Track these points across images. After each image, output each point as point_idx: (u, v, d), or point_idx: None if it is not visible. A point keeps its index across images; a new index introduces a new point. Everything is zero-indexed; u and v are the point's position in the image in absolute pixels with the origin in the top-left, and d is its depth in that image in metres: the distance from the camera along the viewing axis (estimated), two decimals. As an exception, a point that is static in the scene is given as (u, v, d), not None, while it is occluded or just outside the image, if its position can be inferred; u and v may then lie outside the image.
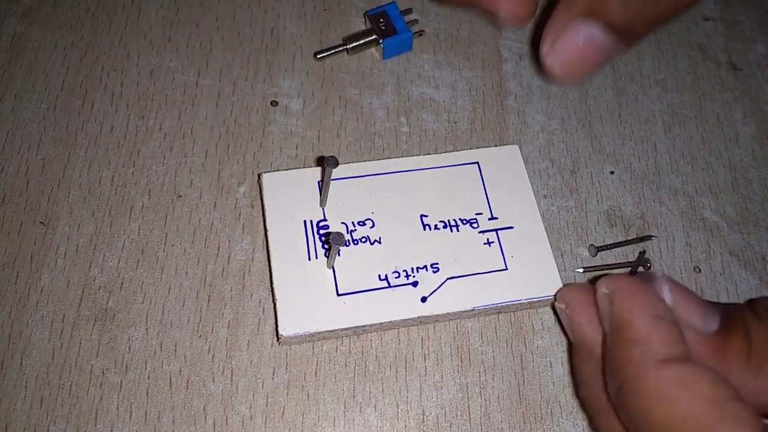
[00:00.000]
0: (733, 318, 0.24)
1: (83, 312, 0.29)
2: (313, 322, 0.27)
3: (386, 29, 0.35)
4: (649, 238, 0.31)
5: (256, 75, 0.35)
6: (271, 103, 0.34)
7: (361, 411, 0.28)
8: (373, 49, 0.36)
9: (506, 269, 0.29)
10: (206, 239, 0.30)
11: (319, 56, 0.35)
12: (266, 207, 0.30)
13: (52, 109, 0.33)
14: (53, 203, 0.31)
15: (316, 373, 0.28)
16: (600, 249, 0.31)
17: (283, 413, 0.27)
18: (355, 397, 0.28)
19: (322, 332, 0.28)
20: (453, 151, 0.32)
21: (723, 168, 0.34)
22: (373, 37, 0.35)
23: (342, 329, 0.28)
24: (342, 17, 0.37)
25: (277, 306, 0.28)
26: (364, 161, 0.31)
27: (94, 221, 0.31)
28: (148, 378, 0.27)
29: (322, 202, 0.30)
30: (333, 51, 0.35)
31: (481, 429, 0.27)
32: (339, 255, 0.28)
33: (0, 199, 0.31)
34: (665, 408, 0.21)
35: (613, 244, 0.31)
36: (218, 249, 0.30)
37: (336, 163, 0.27)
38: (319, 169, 0.31)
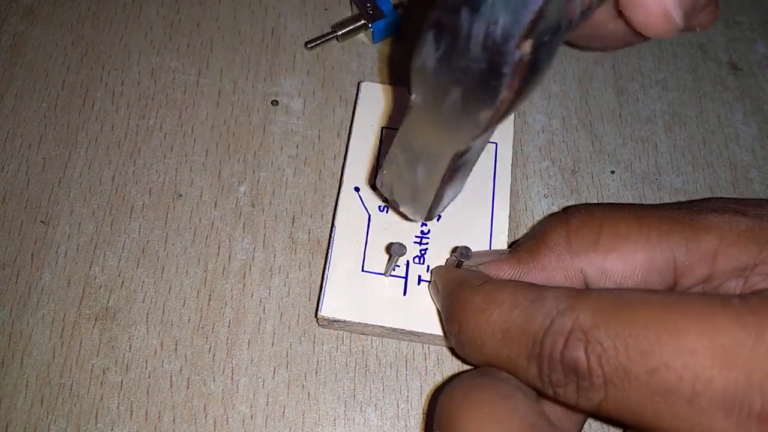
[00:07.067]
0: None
1: (84, 311, 0.29)
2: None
3: (374, 13, 0.35)
4: None
5: (257, 74, 0.35)
6: (271, 103, 0.34)
7: (361, 410, 0.28)
8: (362, 35, 0.36)
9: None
10: (207, 238, 0.30)
11: (310, 45, 0.35)
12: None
13: (52, 108, 0.33)
14: (54, 202, 0.31)
15: (316, 373, 0.28)
16: None
17: (283, 412, 0.27)
18: (356, 397, 0.28)
19: None
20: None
21: (724, 168, 0.34)
22: (362, 22, 0.35)
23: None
24: (343, 17, 0.37)
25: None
26: None
27: (95, 220, 0.31)
28: (149, 377, 0.27)
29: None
30: (323, 39, 0.35)
31: (482, 428, 0.27)
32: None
33: (0, 198, 0.31)
34: (481, 320, 0.22)
35: None
36: (219, 248, 0.30)
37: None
38: None
